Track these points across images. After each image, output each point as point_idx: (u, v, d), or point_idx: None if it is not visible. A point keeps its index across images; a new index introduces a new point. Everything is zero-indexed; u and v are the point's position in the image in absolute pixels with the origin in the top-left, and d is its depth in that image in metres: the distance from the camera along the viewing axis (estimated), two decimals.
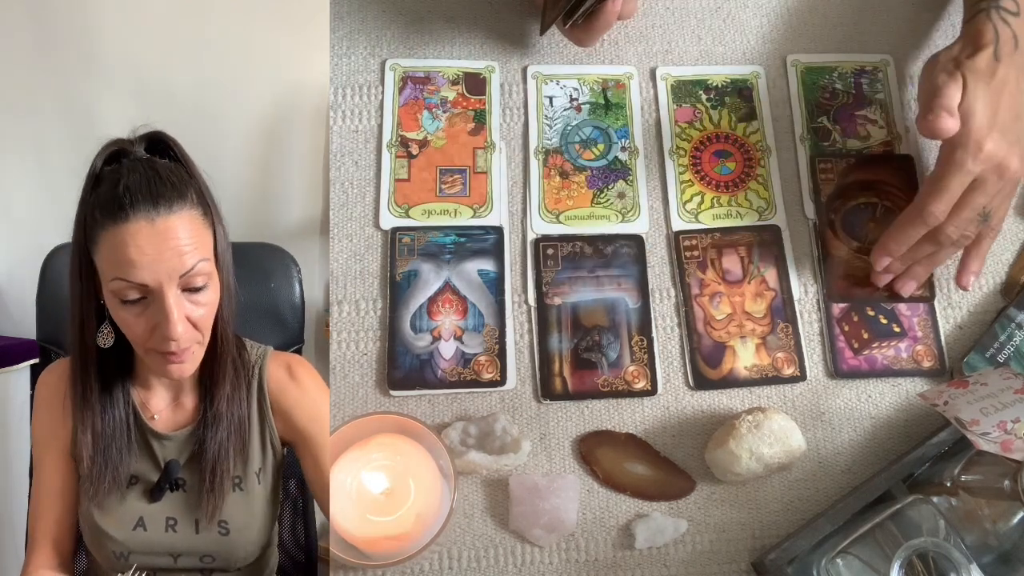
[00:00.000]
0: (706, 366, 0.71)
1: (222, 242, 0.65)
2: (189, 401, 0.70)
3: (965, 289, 0.74)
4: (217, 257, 0.65)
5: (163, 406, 0.70)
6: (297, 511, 0.93)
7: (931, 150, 0.80)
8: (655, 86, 0.81)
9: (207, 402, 0.68)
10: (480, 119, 0.79)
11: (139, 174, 0.61)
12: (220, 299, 0.65)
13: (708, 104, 0.80)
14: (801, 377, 0.72)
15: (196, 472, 0.68)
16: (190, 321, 0.62)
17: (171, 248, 0.60)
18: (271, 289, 0.89)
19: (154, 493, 0.68)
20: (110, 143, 0.65)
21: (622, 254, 0.74)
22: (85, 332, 0.66)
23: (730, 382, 0.71)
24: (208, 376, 0.68)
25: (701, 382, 0.71)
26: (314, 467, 0.70)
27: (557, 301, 0.73)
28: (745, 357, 0.71)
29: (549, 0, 0.72)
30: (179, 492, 0.68)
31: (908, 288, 0.73)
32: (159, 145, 0.66)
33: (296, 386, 0.71)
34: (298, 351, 0.90)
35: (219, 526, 0.68)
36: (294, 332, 0.91)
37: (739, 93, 0.81)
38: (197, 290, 0.62)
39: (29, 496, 0.80)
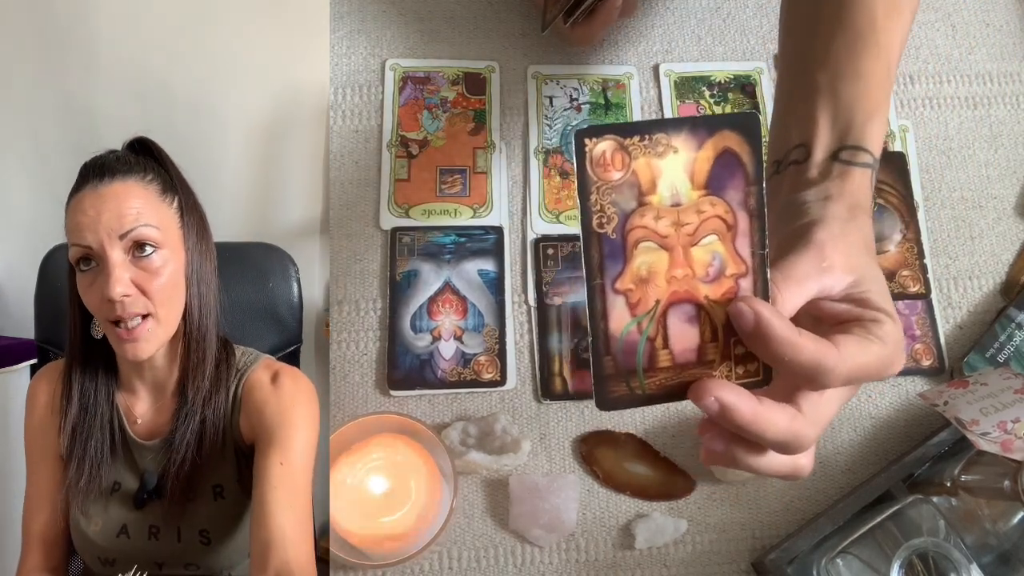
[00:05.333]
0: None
1: (192, 230, 0.66)
2: (170, 407, 0.69)
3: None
4: (184, 242, 0.65)
5: (145, 410, 0.69)
6: None
7: (927, 148, 0.80)
8: (658, 83, 0.81)
9: (181, 402, 0.67)
10: (480, 119, 0.79)
11: (97, 158, 0.64)
12: (188, 287, 0.65)
13: (711, 100, 0.80)
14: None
15: None
16: (140, 288, 0.62)
17: (110, 209, 0.61)
18: (269, 289, 0.89)
19: (135, 501, 0.67)
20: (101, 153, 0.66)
21: None
22: (74, 323, 0.67)
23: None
24: (184, 375, 0.67)
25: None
26: (258, 463, 0.64)
27: (557, 301, 0.73)
28: None
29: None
30: (160, 500, 0.67)
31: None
32: (139, 147, 0.68)
33: (271, 387, 0.67)
34: (296, 351, 0.90)
35: (200, 535, 0.67)
36: (292, 332, 0.90)
37: (742, 89, 0.81)
38: (144, 255, 0.62)
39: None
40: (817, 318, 0.46)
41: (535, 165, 0.77)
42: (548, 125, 0.79)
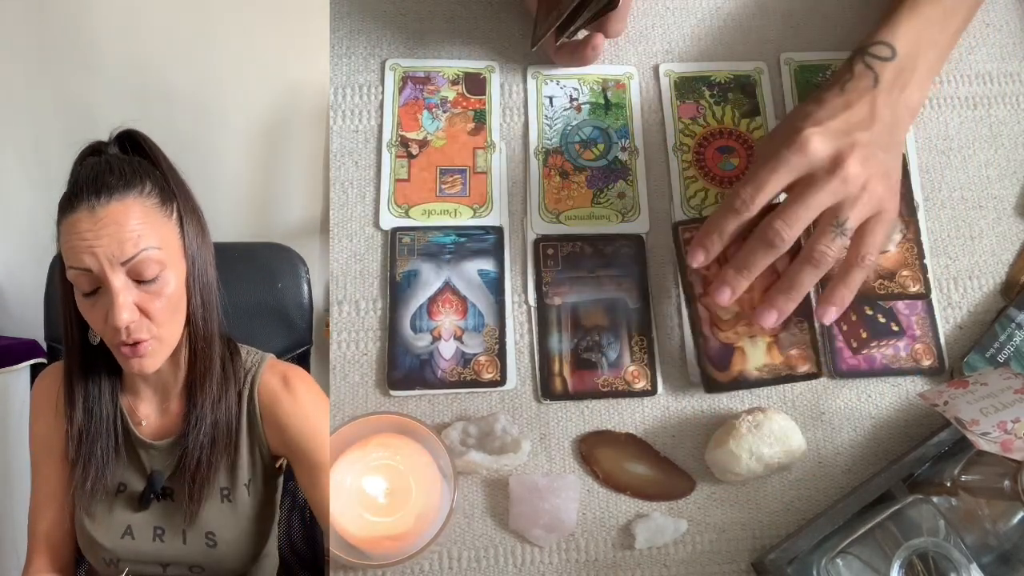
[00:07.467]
0: (714, 369, 0.70)
1: (192, 237, 0.65)
2: (176, 408, 0.69)
3: (821, 322, 0.68)
4: (185, 251, 0.64)
5: (150, 411, 0.69)
6: (304, 518, 0.91)
7: (927, 148, 0.80)
8: (658, 82, 0.81)
9: (190, 407, 0.67)
10: (480, 119, 0.79)
11: (90, 168, 0.62)
12: (189, 295, 0.64)
13: (711, 100, 0.80)
14: (818, 373, 0.71)
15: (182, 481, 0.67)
16: (143, 311, 0.61)
17: (109, 234, 0.59)
18: (278, 290, 0.88)
19: (140, 502, 0.67)
20: (88, 146, 0.65)
21: (622, 254, 0.74)
22: (70, 330, 0.66)
23: (740, 384, 0.70)
24: (191, 379, 0.67)
25: (711, 385, 0.70)
26: (309, 483, 0.67)
27: (557, 301, 0.73)
28: (755, 357, 0.70)
29: (540, 13, 0.72)
30: (166, 501, 0.67)
31: (768, 318, 0.65)
32: (130, 141, 0.66)
33: (290, 397, 0.68)
34: (306, 353, 0.90)
35: (206, 538, 0.67)
36: (302, 333, 0.89)
37: (742, 89, 0.81)
38: (149, 280, 0.61)
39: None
40: None
41: (535, 165, 0.77)
42: (548, 125, 0.79)
